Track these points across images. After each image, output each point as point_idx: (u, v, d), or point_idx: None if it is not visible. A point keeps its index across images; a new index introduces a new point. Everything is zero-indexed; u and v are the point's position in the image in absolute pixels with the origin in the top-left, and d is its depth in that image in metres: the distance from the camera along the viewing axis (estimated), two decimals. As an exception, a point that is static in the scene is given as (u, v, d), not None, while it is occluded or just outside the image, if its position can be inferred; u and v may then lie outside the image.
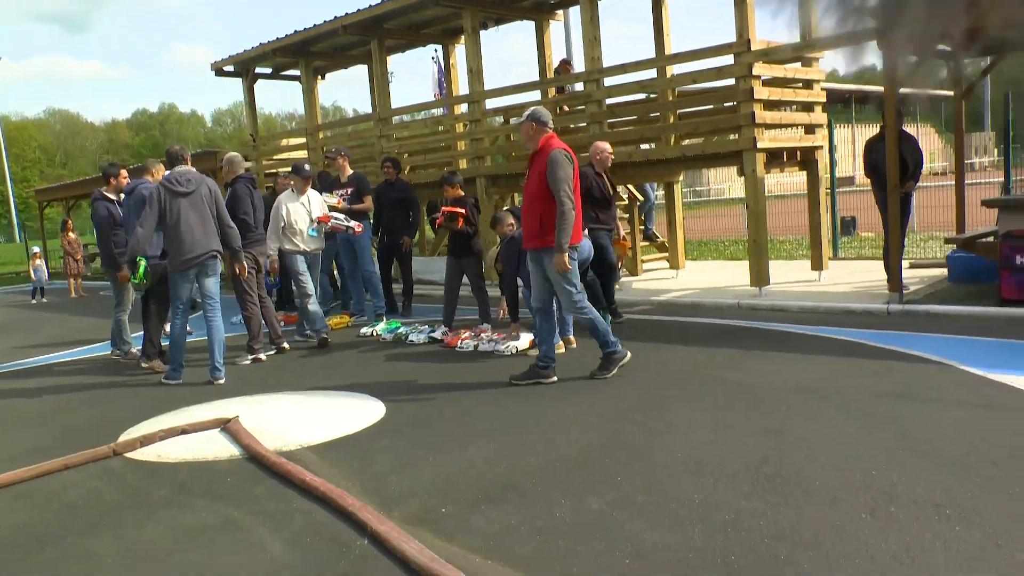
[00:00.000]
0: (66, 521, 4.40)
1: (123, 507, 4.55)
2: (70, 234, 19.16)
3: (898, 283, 8.95)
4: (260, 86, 18.14)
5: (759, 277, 10.06)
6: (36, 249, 20.34)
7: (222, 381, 7.77)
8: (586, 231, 8.15)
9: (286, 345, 9.05)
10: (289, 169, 10.71)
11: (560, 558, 3.46)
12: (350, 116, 67.80)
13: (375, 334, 9.64)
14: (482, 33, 13.24)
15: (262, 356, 8.62)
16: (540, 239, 6.61)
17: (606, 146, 9.47)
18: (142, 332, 8.75)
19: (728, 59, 10.20)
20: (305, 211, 9.43)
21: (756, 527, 3.60)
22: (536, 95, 13.27)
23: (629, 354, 6.80)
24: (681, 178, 13.31)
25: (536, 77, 14.27)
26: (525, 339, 8.21)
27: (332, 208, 10.07)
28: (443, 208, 9.32)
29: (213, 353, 7.81)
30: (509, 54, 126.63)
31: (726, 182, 47.60)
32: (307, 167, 9.86)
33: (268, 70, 18.00)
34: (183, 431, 5.78)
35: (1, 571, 3.81)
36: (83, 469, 5.29)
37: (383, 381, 7.28)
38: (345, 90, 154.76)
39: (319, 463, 4.98)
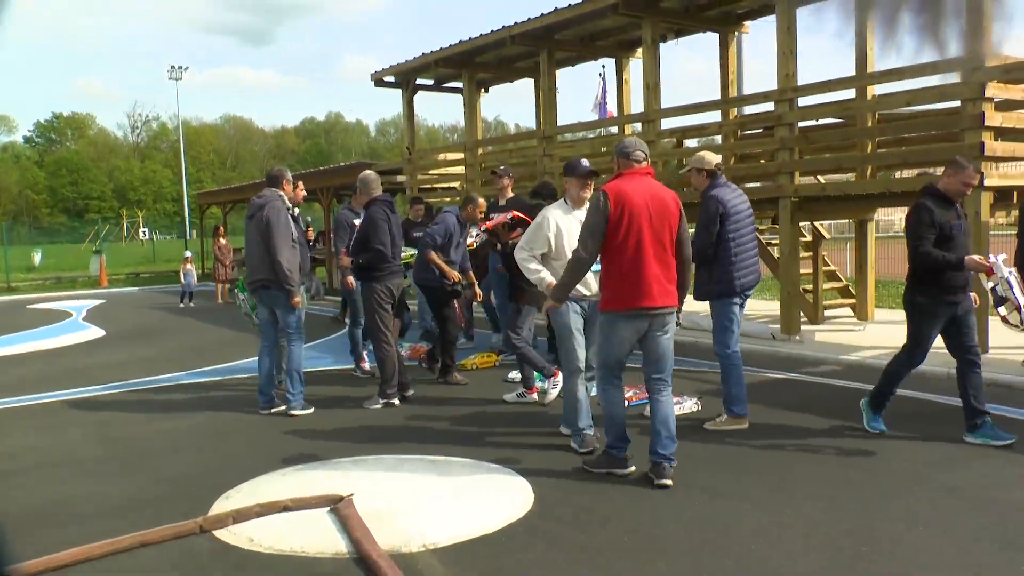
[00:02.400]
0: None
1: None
2: (221, 239, 19.07)
3: None
4: (423, 97, 17.60)
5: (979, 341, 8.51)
6: (188, 253, 20.37)
7: (297, 413, 7.46)
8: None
9: (411, 392, 8.01)
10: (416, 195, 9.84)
11: None
12: (512, 132, 67.59)
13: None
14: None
15: (395, 401, 7.72)
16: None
17: None
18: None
19: (951, 77, 8.77)
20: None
21: None
22: (716, 115, 12.07)
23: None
24: (877, 216, 11.78)
25: (717, 95, 13.05)
26: (689, 403, 7.18)
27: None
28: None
29: (286, 381, 7.62)
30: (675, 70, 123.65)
31: (896, 213, 44.55)
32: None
33: (429, 81, 17.40)
34: (285, 507, 4.77)
35: None
36: (163, 548, 4.37)
37: (533, 448, 6.20)
38: (511, 103, 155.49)
39: None
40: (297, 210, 8.90)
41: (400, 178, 17.83)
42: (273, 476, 5.59)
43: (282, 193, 7.56)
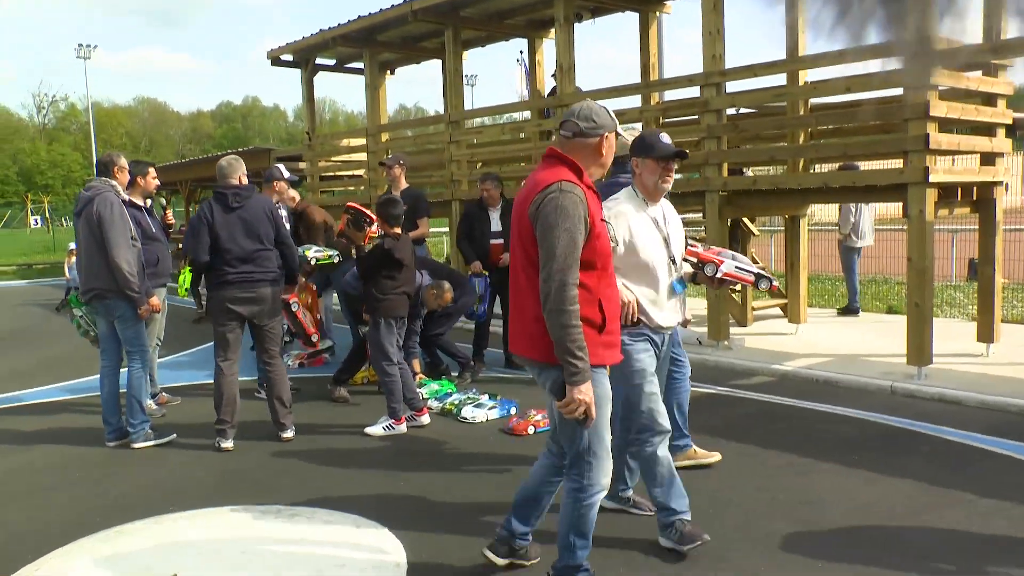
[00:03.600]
0: None
1: None
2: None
3: None
4: (342, 81, 16.28)
5: (919, 353, 7.63)
6: (72, 246, 18.66)
7: (140, 446, 6.34)
8: None
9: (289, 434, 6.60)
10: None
11: None
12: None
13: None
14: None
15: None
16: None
17: None
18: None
19: (893, 63, 7.84)
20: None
21: None
22: (637, 100, 11.07)
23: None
24: (809, 212, 10.90)
25: (637, 79, 12.03)
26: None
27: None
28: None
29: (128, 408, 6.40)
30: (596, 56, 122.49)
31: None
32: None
33: (331, 61, 16.04)
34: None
35: None
36: None
37: (410, 490, 5.17)
38: (429, 89, 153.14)
39: None
40: (150, 201, 7.70)
41: (301, 165, 16.49)
42: (96, 539, 4.59)
43: (115, 183, 6.30)
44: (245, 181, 6.37)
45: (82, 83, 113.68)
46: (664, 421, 4.18)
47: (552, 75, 11.90)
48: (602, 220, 3.53)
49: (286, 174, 8.09)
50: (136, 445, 6.32)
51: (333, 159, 16.11)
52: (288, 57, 15.49)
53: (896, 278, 14.70)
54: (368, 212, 6.70)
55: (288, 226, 7.84)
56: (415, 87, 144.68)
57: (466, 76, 67.43)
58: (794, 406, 7.07)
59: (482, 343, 8.89)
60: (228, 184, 6.26)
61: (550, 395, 3.47)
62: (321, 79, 15.80)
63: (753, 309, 10.85)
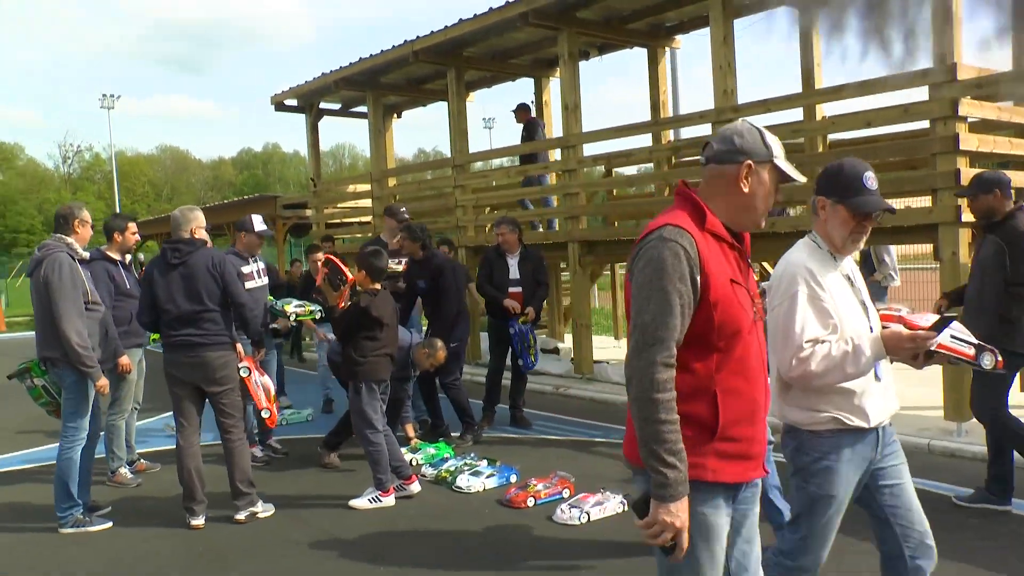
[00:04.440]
0: None
1: None
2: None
3: None
4: (357, 126, 15.93)
5: (958, 407, 6.98)
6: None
7: (67, 531, 5.64)
8: None
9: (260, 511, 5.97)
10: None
11: None
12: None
13: (412, 463, 6.96)
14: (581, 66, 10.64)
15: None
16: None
17: None
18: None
19: (920, 93, 7.34)
20: None
21: None
22: (647, 139, 10.58)
23: None
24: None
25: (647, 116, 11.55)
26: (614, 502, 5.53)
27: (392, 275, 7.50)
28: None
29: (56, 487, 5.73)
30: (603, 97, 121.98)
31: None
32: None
33: (336, 105, 15.74)
34: None
35: None
36: None
37: (394, 573, 4.57)
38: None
39: None
40: (129, 257, 7.22)
41: (307, 212, 16.11)
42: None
43: (71, 240, 5.76)
44: (201, 234, 5.86)
45: (106, 132, 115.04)
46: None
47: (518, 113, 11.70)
48: (731, 282, 2.49)
49: (258, 227, 7.33)
50: (64, 531, 5.70)
51: (339, 206, 15.69)
52: (292, 102, 15.20)
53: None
54: (345, 269, 6.15)
55: (257, 281, 7.15)
56: (435, 132, 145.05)
57: (484, 119, 67.18)
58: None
59: (495, 397, 8.34)
60: (172, 238, 5.76)
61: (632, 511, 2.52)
62: (343, 124, 15.44)
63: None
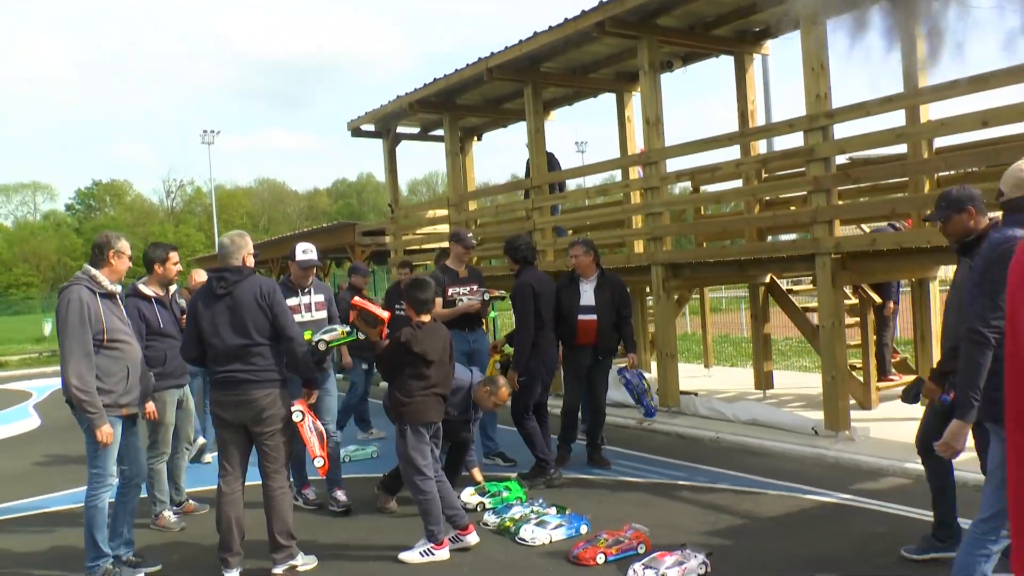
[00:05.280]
0: None
1: None
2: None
3: None
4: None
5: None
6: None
7: None
8: None
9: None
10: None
11: None
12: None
13: (479, 507, 6.34)
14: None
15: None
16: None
17: None
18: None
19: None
20: None
21: None
22: (735, 151, 9.83)
23: None
24: (939, 274, 9.39)
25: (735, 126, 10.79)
26: (695, 562, 4.79)
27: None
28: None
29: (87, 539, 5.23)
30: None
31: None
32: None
33: (414, 129, 15.33)
34: None
35: None
36: None
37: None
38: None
39: None
40: (174, 289, 6.80)
41: (386, 239, 15.72)
42: None
43: (96, 272, 5.31)
44: (251, 263, 5.37)
45: (207, 167, 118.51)
46: None
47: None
48: None
49: (298, 256, 6.66)
50: None
51: (417, 232, 15.27)
52: (369, 127, 14.83)
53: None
54: (376, 311, 5.57)
55: (306, 316, 6.55)
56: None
57: (576, 143, 66.76)
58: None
59: (571, 435, 7.69)
60: (220, 266, 5.27)
61: None
62: (437, 151, 15.00)
63: (878, 388, 9.32)
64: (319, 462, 5.55)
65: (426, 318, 5.51)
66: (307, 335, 5.65)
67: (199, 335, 5.20)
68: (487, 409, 6.56)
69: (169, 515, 6.45)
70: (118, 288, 5.47)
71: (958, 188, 4.60)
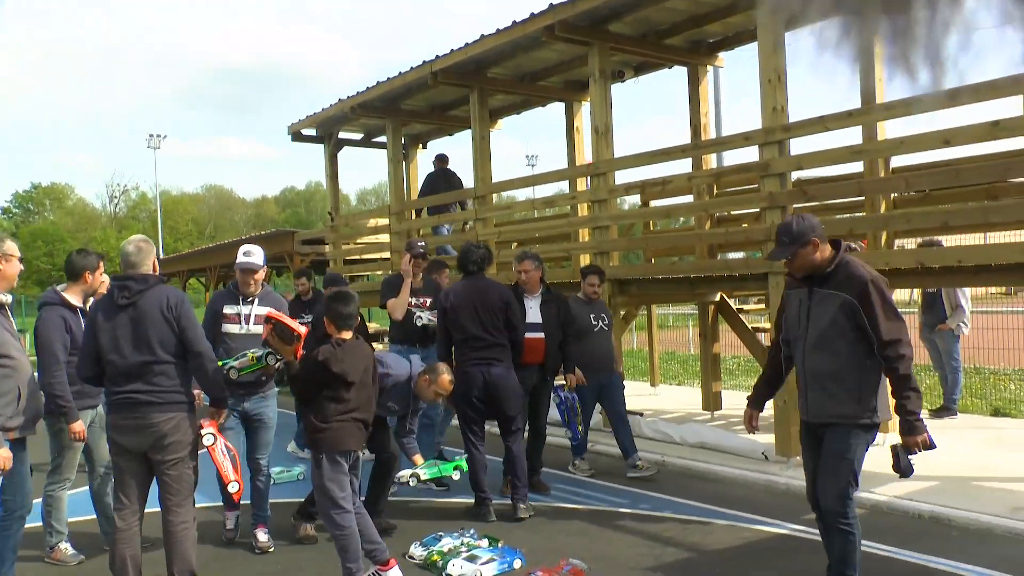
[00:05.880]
0: None
1: None
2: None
3: None
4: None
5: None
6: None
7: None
8: None
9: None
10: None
11: None
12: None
13: (412, 478, 6.11)
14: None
15: None
16: None
17: None
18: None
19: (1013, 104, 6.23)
20: None
21: None
22: (687, 164, 9.52)
23: None
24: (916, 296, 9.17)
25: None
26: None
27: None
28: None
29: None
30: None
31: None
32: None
33: (357, 135, 14.83)
34: None
35: None
36: None
37: None
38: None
39: None
40: (92, 301, 6.20)
41: (325, 248, 15.18)
42: None
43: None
44: (157, 270, 4.85)
45: (152, 172, 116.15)
46: None
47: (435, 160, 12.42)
48: None
49: (240, 257, 6.14)
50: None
51: (358, 241, 14.76)
52: (311, 131, 14.32)
53: (988, 368, 12.71)
54: (294, 326, 5.05)
55: (242, 327, 5.99)
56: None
57: (527, 156, 66.77)
58: (892, 558, 5.25)
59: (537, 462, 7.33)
60: (121, 274, 4.75)
61: None
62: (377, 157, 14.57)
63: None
64: (233, 487, 5.05)
65: (347, 335, 5.02)
66: (220, 363, 5.12)
67: (97, 351, 4.65)
68: (428, 400, 6.11)
69: (66, 548, 5.82)
70: (8, 298, 4.94)
71: (797, 219, 4.28)
